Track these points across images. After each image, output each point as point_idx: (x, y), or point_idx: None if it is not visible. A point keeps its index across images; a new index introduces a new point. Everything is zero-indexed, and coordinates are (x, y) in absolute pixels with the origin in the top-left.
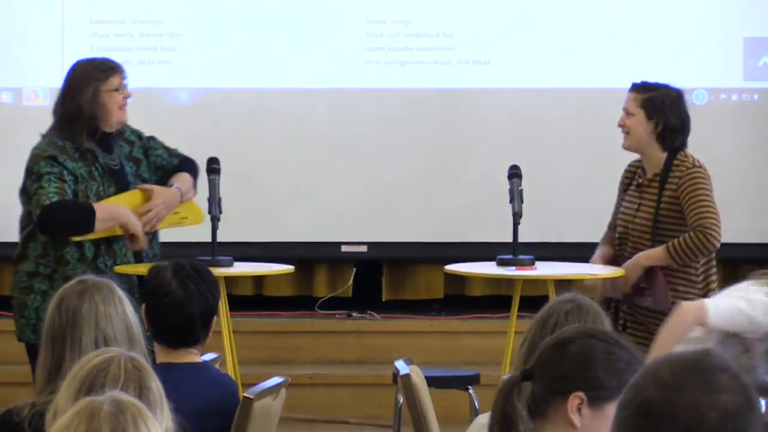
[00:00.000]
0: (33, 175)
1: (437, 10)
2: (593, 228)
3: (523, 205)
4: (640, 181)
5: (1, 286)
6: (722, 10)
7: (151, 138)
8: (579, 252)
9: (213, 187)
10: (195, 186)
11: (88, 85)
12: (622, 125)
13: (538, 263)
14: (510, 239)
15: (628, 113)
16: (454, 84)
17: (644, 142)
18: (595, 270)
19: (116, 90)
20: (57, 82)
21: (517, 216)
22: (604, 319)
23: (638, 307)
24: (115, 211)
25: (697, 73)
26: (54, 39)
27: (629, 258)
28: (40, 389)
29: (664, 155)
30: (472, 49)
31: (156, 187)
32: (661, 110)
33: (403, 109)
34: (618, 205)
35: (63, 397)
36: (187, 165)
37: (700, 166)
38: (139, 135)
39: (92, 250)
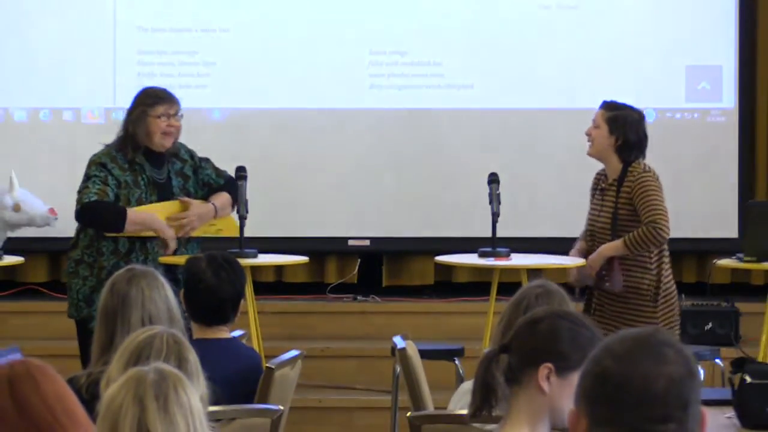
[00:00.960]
0: (85, 176)
1: (429, 43)
2: (559, 225)
3: (501, 206)
4: (603, 186)
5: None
6: (668, 42)
7: (204, 159)
8: (547, 245)
9: (240, 191)
10: (233, 203)
11: (137, 108)
12: (588, 134)
13: (513, 255)
14: (490, 235)
15: (595, 125)
16: (443, 105)
17: (605, 152)
18: (558, 260)
19: (159, 117)
20: (110, 102)
21: (495, 215)
22: (569, 302)
23: (604, 295)
24: (147, 216)
25: (647, 95)
26: (107, 67)
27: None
28: (95, 360)
29: (621, 165)
30: (458, 75)
31: (194, 201)
32: (622, 127)
33: (401, 125)
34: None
35: (114, 367)
36: (230, 186)
37: (650, 171)
38: (192, 155)
39: (126, 245)
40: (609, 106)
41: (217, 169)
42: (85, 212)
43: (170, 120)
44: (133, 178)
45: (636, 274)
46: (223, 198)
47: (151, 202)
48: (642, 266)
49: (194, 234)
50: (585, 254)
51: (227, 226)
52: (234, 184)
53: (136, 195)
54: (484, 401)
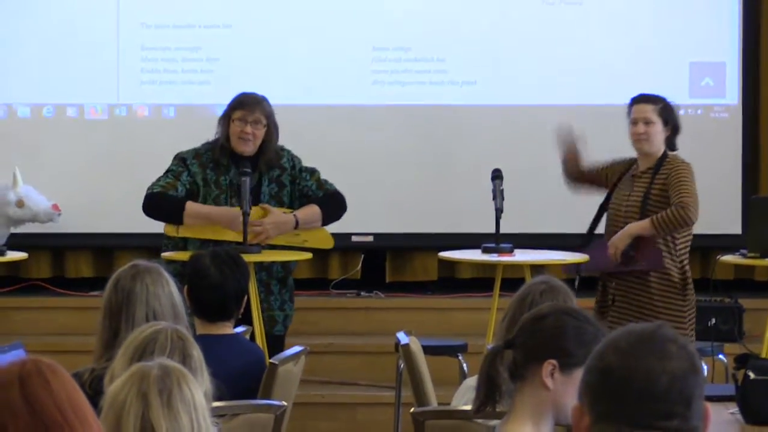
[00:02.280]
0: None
1: (432, 39)
2: (563, 221)
3: (504, 202)
4: (635, 172)
5: (76, 269)
6: (671, 38)
7: (309, 170)
8: (550, 241)
9: (243, 188)
10: (327, 219)
11: (226, 111)
12: (642, 133)
13: (516, 251)
14: (493, 230)
15: (647, 122)
16: (446, 101)
17: (659, 145)
18: (562, 256)
19: (235, 121)
20: (113, 99)
21: (498, 211)
22: (573, 298)
23: (628, 284)
24: (212, 210)
25: (650, 91)
26: (110, 63)
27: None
28: (98, 356)
29: (660, 154)
30: (461, 72)
31: (274, 209)
32: (672, 115)
33: (404, 121)
34: (604, 163)
35: (119, 363)
36: (326, 200)
37: (688, 164)
38: (294, 164)
39: (197, 245)
40: (650, 100)
41: (320, 182)
42: (145, 202)
43: (246, 126)
44: (215, 177)
45: (666, 265)
46: (309, 210)
47: (231, 205)
48: (670, 256)
49: (276, 242)
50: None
51: (315, 239)
52: (334, 199)
53: (214, 194)
54: (488, 397)
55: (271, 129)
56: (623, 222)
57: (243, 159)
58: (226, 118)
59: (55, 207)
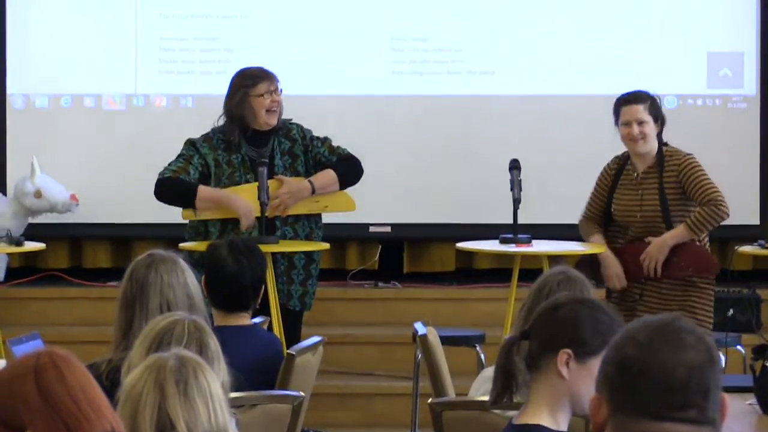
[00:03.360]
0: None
1: (450, 29)
2: (580, 212)
3: (522, 193)
4: (635, 175)
5: (94, 259)
6: (689, 28)
7: (320, 139)
8: (568, 232)
9: (261, 177)
10: (344, 181)
11: (238, 91)
12: (638, 133)
13: (534, 241)
14: (511, 221)
15: (640, 122)
16: (464, 91)
17: (654, 143)
18: (580, 247)
19: (262, 95)
20: (131, 89)
21: (516, 202)
22: (590, 288)
23: (662, 281)
24: (221, 194)
25: (668, 82)
26: (128, 53)
27: (624, 245)
28: (115, 346)
29: (655, 151)
30: (479, 62)
31: (288, 179)
32: (659, 111)
33: (422, 111)
34: (598, 196)
35: (136, 353)
36: (341, 164)
37: (691, 154)
38: (305, 134)
39: (218, 226)
40: (639, 99)
41: (332, 147)
42: (157, 187)
43: (273, 96)
44: (227, 157)
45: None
46: (325, 175)
47: (247, 181)
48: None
49: (296, 212)
50: (614, 252)
51: (335, 203)
52: (348, 162)
53: (227, 173)
54: (505, 387)
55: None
56: (644, 230)
57: (254, 136)
58: (243, 97)
59: (73, 197)
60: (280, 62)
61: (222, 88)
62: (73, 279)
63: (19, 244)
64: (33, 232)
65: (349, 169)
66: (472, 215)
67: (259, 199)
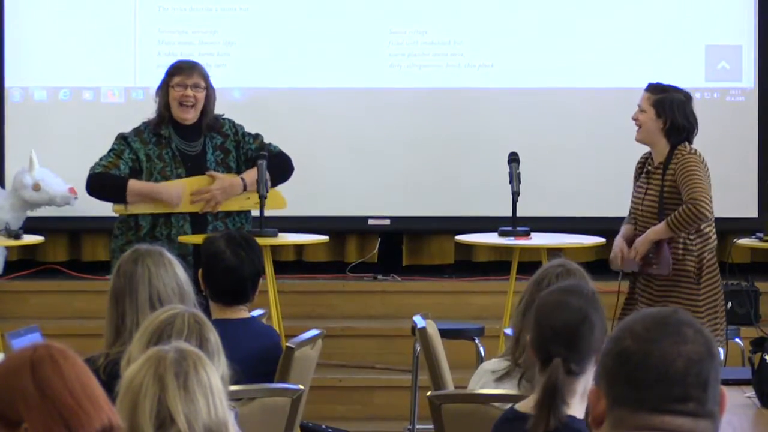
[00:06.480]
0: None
1: (449, 22)
2: (579, 205)
3: (521, 186)
4: (649, 168)
5: (93, 253)
6: (688, 21)
7: (252, 135)
8: (567, 225)
9: (260, 170)
10: (274, 178)
11: (162, 82)
12: (635, 119)
13: (533, 234)
14: (510, 214)
15: (641, 110)
16: (463, 84)
17: (653, 136)
18: (578, 239)
19: (175, 87)
20: (130, 82)
21: (515, 194)
22: (588, 280)
23: (650, 279)
24: (151, 187)
25: (666, 74)
26: (127, 46)
27: (640, 235)
28: (109, 342)
29: (668, 148)
30: (478, 55)
31: (220, 175)
32: (670, 110)
33: (421, 104)
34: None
35: (135, 347)
36: (271, 160)
37: (695, 153)
38: (236, 130)
39: (149, 220)
40: (654, 89)
41: (263, 145)
42: (88, 183)
43: (186, 90)
44: (158, 151)
45: (680, 257)
46: (255, 172)
47: (178, 176)
48: (685, 248)
49: (228, 208)
50: (631, 239)
51: (266, 201)
52: (278, 159)
53: (159, 167)
54: (552, 407)
55: (210, 93)
56: (642, 222)
57: (184, 129)
58: (164, 87)
59: (72, 190)
60: (279, 55)
61: (221, 82)
62: (72, 272)
63: (17, 237)
64: (31, 225)
65: (279, 167)
66: (471, 208)
67: (258, 191)
